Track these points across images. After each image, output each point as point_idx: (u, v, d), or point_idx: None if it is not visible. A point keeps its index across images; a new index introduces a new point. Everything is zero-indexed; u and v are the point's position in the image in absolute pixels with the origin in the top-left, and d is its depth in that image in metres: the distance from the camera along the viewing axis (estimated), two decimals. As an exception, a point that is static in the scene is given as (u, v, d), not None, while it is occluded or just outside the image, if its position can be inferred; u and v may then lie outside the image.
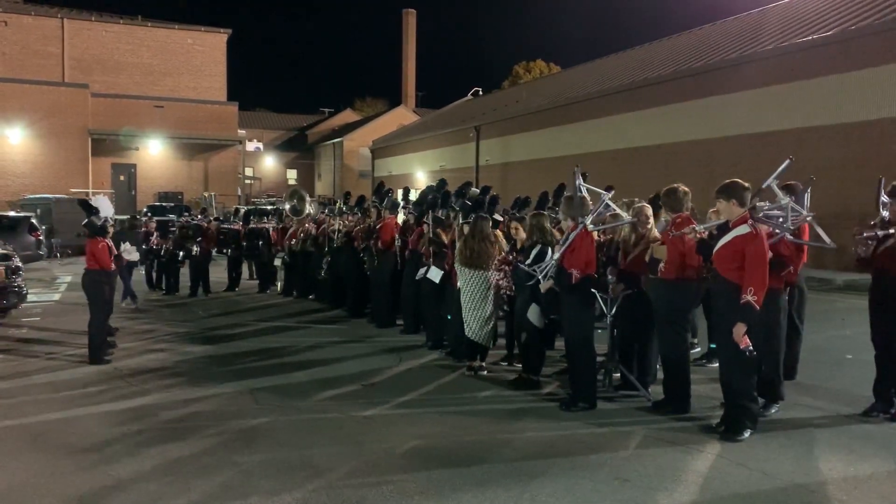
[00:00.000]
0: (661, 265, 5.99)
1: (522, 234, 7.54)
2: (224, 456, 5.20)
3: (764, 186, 5.81)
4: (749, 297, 5.17)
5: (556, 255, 6.32)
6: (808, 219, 5.89)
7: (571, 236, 6.26)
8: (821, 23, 19.57)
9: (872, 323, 6.10)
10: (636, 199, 8.44)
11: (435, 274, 8.71)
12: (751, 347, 5.18)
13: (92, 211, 8.45)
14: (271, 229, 15.17)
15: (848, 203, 15.62)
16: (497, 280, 7.41)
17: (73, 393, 6.99)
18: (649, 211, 6.79)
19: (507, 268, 7.27)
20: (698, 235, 5.78)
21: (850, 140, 16.76)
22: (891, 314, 5.89)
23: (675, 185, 6.34)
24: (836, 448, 5.31)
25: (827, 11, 20.56)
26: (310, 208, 13.79)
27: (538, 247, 6.94)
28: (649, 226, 6.71)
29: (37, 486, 4.71)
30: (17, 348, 9.15)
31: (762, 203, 5.78)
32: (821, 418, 6.04)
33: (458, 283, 7.89)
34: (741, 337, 5.20)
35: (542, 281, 6.50)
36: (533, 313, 6.99)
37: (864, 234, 5.97)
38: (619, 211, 7.24)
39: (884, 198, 5.96)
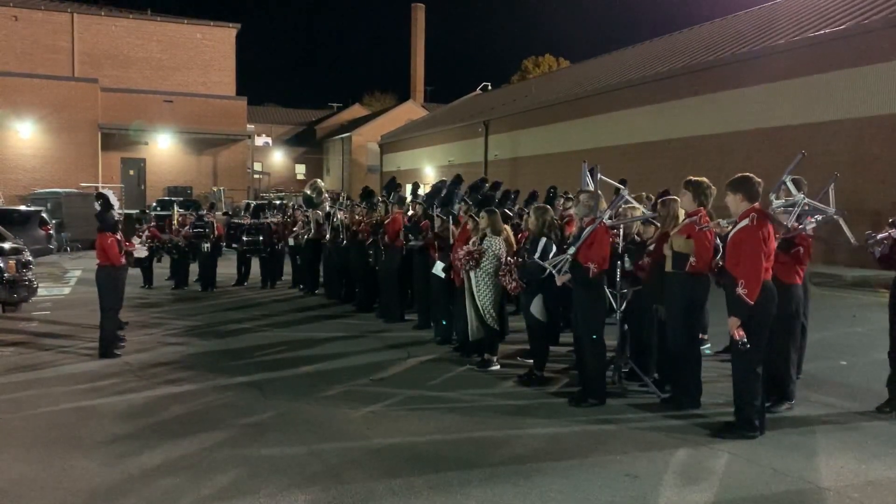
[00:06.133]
0: (692, 259, 5.92)
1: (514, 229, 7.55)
2: (233, 451, 5.21)
3: (780, 183, 5.77)
4: (740, 291, 5.15)
5: (572, 250, 6.28)
6: (833, 212, 5.79)
7: (588, 231, 6.23)
8: (833, 17, 19.40)
9: (892, 321, 6.03)
10: (644, 194, 8.43)
11: (438, 268, 8.69)
12: (744, 340, 5.15)
13: (108, 205, 8.45)
14: (273, 224, 15.16)
15: (861, 199, 15.49)
16: (502, 281, 7.29)
17: (83, 386, 7.02)
18: (677, 206, 6.58)
19: (511, 260, 7.19)
20: (722, 230, 5.75)
21: (862, 135, 16.63)
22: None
23: (701, 178, 6.23)
24: (847, 445, 5.27)
25: (839, 6, 20.39)
26: (326, 203, 13.59)
27: (543, 240, 6.94)
28: (677, 223, 6.46)
29: (47, 479, 4.72)
30: (28, 341, 9.20)
31: (779, 200, 5.74)
32: (832, 415, 5.99)
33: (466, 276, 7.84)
34: (734, 329, 5.18)
35: (556, 275, 6.47)
36: (536, 306, 6.97)
37: (879, 236, 5.92)
38: (636, 205, 7.19)
39: None
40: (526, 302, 7.11)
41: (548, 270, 6.57)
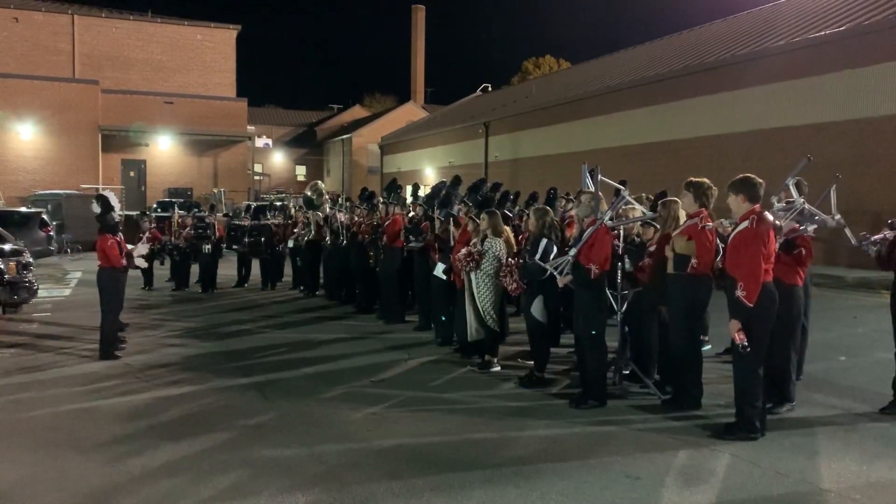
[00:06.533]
0: (694, 261, 5.91)
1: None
2: (234, 452, 5.21)
3: (783, 186, 5.78)
4: (739, 293, 5.14)
5: (573, 251, 6.28)
6: (834, 222, 5.80)
7: (589, 232, 6.22)
8: (833, 18, 19.41)
9: None
10: (644, 195, 8.43)
11: (439, 269, 8.69)
12: (745, 343, 5.15)
13: (109, 207, 8.44)
14: (274, 226, 15.15)
15: (860, 200, 15.49)
16: (503, 282, 7.28)
17: (83, 388, 7.01)
18: (678, 206, 6.56)
19: (512, 261, 7.19)
20: (725, 230, 5.75)
21: (862, 136, 16.63)
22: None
23: (702, 179, 6.21)
24: (849, 447, 5.27)
25: (839, 7, 20.40)
26: (326, 205, 13.50)
27: (544, 241, 6.94)
28: (678, 224, 6.44)
29: (48, 480, 4.72)
30: (29, 343, 9.20)
31: (780, 203, 5.74)
32: (833, 416, 5.98)
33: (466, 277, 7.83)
34: (734, 332, 5.18)
35: (558, 277, 6.46)
36: (536, 307, 6.96)
37: (874, 238, 5.94)
38: (636, 206, 7.18)
39: None
40: (526, 303, 7.11)
41: (549, 272, 6.56)
